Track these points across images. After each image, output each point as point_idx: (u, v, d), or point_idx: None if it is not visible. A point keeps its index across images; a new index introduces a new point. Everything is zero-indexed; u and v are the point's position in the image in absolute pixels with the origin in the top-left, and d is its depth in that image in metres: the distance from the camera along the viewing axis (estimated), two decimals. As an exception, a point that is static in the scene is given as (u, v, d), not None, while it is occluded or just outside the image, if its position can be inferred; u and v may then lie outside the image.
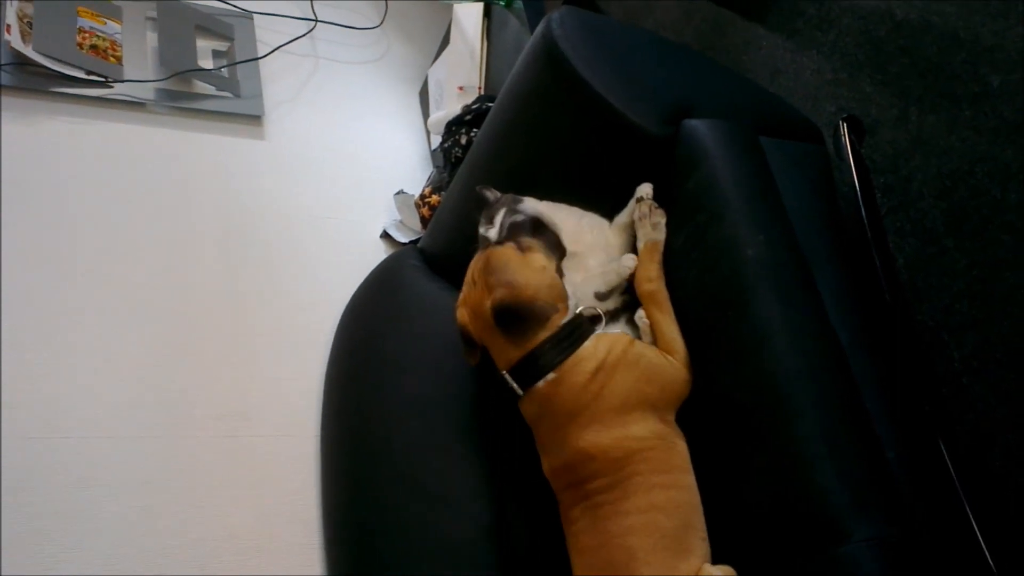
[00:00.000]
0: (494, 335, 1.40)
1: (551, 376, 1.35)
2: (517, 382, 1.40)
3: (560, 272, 1.44)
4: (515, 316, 1.36)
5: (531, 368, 1.37)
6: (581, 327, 1.39)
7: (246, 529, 1.91)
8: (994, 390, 1.39)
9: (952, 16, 1.50)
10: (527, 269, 1.38)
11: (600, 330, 1.43)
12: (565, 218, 1.54)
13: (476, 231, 1.57)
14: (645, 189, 1.51)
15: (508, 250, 1.41)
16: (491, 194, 1.59)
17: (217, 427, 2.04)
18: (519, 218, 1.47)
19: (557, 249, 1.45)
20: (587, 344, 1.36)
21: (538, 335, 1.36)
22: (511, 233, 1.45)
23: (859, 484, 1.17)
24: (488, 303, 1.37)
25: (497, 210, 1.54)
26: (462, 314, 1.46)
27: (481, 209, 1.59)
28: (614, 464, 1.30)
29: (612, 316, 1.50)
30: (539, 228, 1.46)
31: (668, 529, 1.27)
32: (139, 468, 1.91)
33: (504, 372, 1.41)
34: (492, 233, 1.51)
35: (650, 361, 1.37)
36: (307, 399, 2.16)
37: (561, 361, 1.35)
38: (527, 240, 1.42)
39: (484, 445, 1.65)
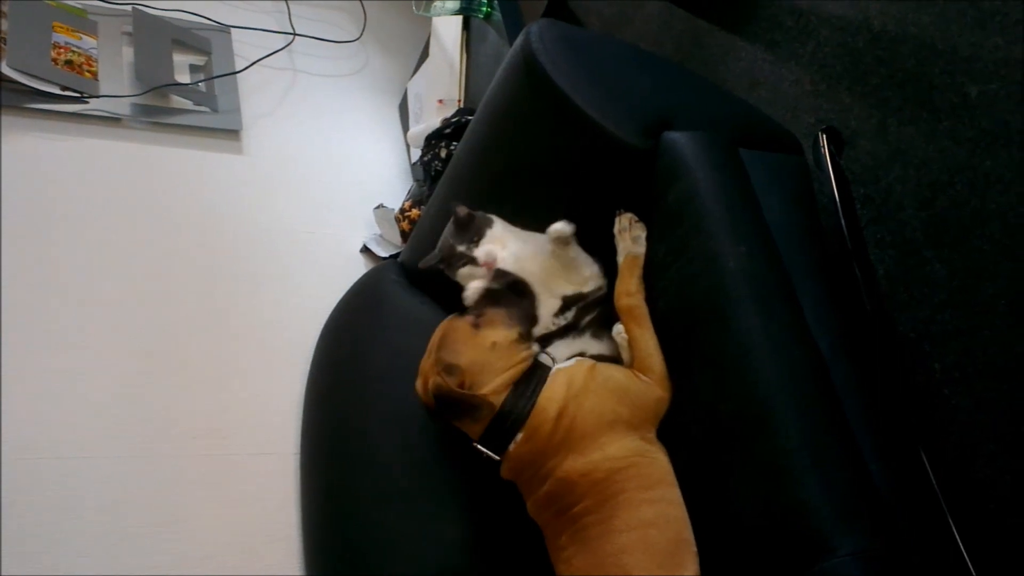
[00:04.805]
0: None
1: (519, 437, 1.36)
2: (490, 449, 1.40)
3: (525, 337, 1.45)
4: (450, 405, 1.38)
5: (498, 434, 1.38)
6: (535, 374, 1.40)
7: (226, 548, 1.90)
8: (975, 400, 1.39)
9: (929, 27, 1.50)
10: (474, 349, 1.40)
11: (556, 355, 1.47)
12: (517, 245, 1.58)
13: (449, 246, 1.60)
14: (556, 229, 1.50)
15: (463, 325, 1.44)
16: (461, 211, 1.61)
17: (195, 446, 2.02)
18: (495, 286, 1.50)
19: (526, 320, 1.47)
20: (544, 392, 1.37)
21: (486, 416, 1.38)
22: (480, 301, 1.49)
23: (843, 497, 1.16)
24: (430, 384, 1.40)
25: (482, 230, 1.57)
26: (419, 384, 1.47)
27: (455, 224, 1.61)
28: (597, 486, 1.30)
29: (578, 331, 1.51)
30: (512, 298, 1.49)
31: (661, 545, 1.26)
32: (118, 488, 1.89)
33: (476, 444, 1.41)
34: (480, 253, 1.55)
35: (618, 382, 1.37)
36: (286, 416, 2.14)
37: (525, 418, 1.35)
38: (490, 313, 1.44)
39: (467, 458, 1.63)
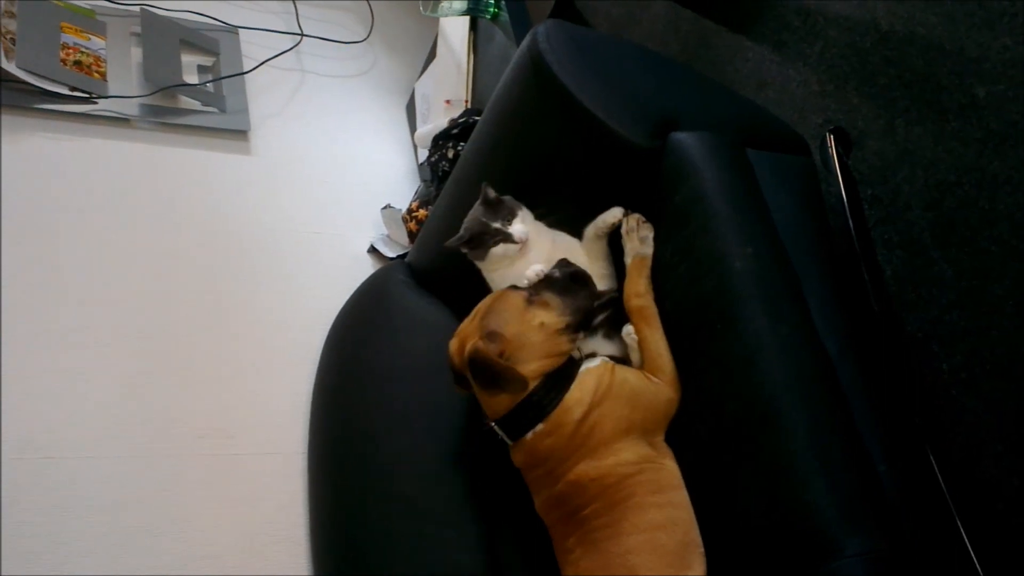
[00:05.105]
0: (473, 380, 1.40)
1: (540, 428, 1.35)
2: (505, 432, 1.40)
3: (572, 329, 1.41)
4: (485, 371, 1.35)
5: (519, 420, 1.37)
6: (568, 370, 1.39)
7: (232, 547, 1.90)
8: (983, 400, 1.38)
9: (937, 27, 1.50)
10: (521, 324, 1.37)
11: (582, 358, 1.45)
12: (542, 240, 1.56)
13: (481, 223, 1.56)
14: (617, 213, 1.52)
15: (517, 298, 1.40)
16: (491, 192, 1.58)
17: (201, 445, 2.03)
18: (556, 274, 1.45)
19: (579, 313, 1.42)
20: (572, 391, 1.35)
21: (517, 393, 1.36)
22: (539, 284, 1.44)
23: (850, 498, 1.16)
24: (468, 346, 1.36)
25: (514, 211, 1.55)
26: (454, 344, 1.44)
27: (485, 204, 1.58)
28: (607, 490, 1.30)
29: (592, 331, 1.51)
30: (570, 288, 1.44)
31: (669, 547, 1.27)
32: (123, 488, 1.89)
33: (492, 423, 1.41)
34: (515, 230, 1.52)
35: (633, 387, 1.37)
36: (293, 416, 2.15)
37: (549, 412, 1.34)
38: (546, 295, 1.41)
39: (473, 461, 1.64)
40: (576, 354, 1.45)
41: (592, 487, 1.31)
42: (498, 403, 1.38)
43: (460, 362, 1.41)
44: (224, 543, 1.90)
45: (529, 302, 1.39)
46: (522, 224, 1.54)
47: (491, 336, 1.35)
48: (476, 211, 1.59)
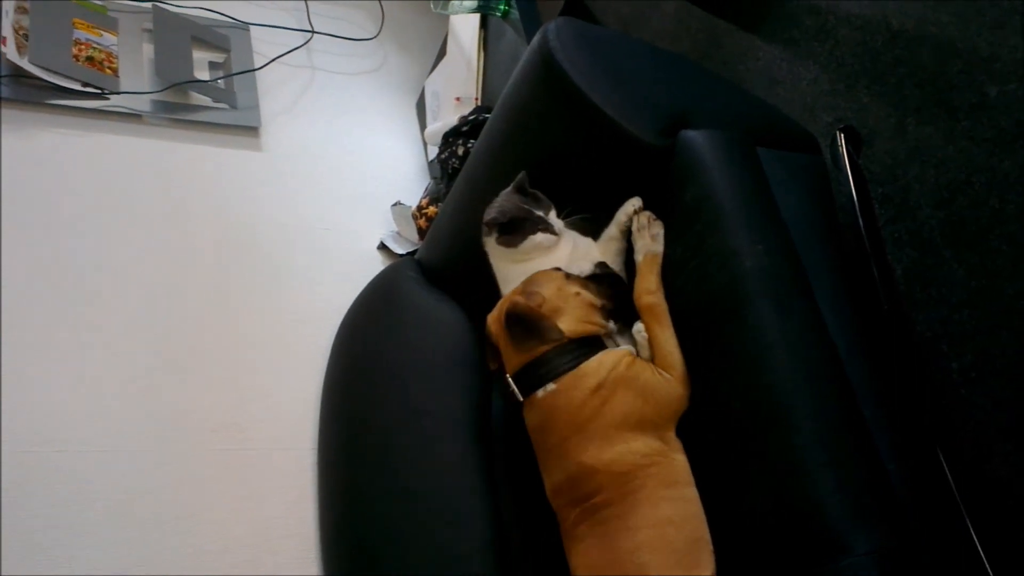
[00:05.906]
0: (505, 336, 1.44)
1: (551, 387, 1.37)
2: (519, 387, 1.42)
3: (605, 315, 1.45)
4: (522, 322, 1.39)
5: (532, 375, 1.40)
6: (590, 344, 1.41)
7: (242, 542, 1.90)
8: (992, 399, 1.38)
9: (949, 26, 1.50)
10: (559, 290, 1.42)
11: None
12: (566, 237, 1.56)
13: (524, 209, 1.54)
14: (635, 203, 1.53)
15: (557, 273, 1.45)
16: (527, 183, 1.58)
17: (212, 439, 2.03)
18: (597, 271, 1.49)
19: (612, 300, 1.46)
20: (591, 361, 1.37)
21: (540, 346, 1.39)
22: (580, 277, 1.47)
23: (859, 496, 1.16)
24: (508, 304, 1.42)
25: (550, 205, 1.56)
26: (492, 315, 1.49)
27: (520, 190, 1.57)
28: (617, 479, 1.30)
29: None
30: (606, 285, 1.47)
31: (679, 543, 1.27)
32: (134, 481, 1.90)
33: (508, 376, 1.44)
34: (553, 218, 1.54)
35: (646, 379, 1.38)
36: (304, 411, 2.15)
37: (562, 373, 1.37)
38: (584, 281, 1.45)
39: (482, 457, 1.64)
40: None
41: (603, 472, 1.32)
42: (517, 358, 1.42)
43: (497, 329, 1.46)
44: (234, 537, 1.90)
45: (567, 278, 1.44)
46: (557, 218, 1.55)
47: (530, 295, 1.40)
48: (511, 198, 1.56)
